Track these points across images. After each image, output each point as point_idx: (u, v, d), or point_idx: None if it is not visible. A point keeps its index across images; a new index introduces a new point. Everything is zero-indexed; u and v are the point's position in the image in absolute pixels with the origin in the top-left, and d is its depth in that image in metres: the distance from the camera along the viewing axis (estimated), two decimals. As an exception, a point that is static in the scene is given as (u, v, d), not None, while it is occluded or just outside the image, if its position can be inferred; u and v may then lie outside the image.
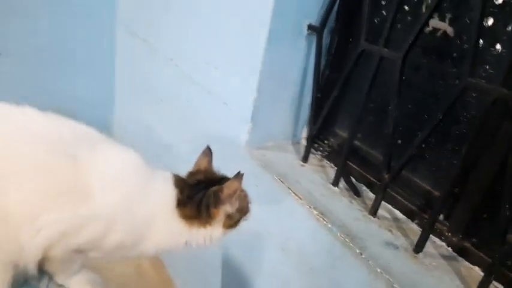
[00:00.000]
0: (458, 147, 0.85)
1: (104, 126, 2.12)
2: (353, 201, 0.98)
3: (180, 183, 0.65)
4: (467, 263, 0.81)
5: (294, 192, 0.96)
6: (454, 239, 0.84)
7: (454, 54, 0.83)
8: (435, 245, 0.86)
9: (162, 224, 0.61)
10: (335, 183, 1.02)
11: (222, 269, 1.26)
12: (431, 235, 0.83)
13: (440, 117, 0.76)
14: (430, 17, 0.77)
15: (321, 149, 1.17)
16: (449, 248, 0.85)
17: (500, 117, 0.74)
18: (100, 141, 0.61)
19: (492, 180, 0.78)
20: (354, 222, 0.90)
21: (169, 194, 0.62)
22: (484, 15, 0.70)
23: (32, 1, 1.63)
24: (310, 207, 0.92)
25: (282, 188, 0.98)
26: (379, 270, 0.76)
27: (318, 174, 1.08)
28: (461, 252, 0.83)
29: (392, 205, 0.97)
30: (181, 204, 0.62)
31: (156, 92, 1.70)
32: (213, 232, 0.63)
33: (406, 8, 0.90)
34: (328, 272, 0.88)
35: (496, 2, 0.75)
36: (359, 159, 1.06)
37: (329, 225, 0.87)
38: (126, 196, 0.59)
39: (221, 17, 1.15)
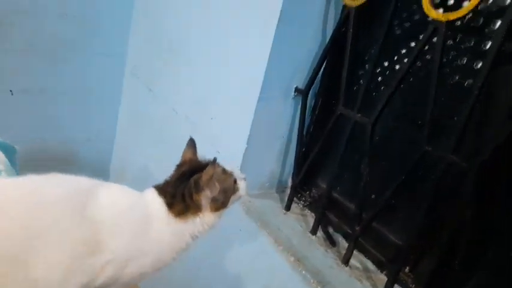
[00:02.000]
0: (422, 204, 0.94)
1: (103, 162, 2.24)
2: (329, 250, 1.06)
3: (163, 190, 0.70)
4: (428, 314, 0.88)
5: (273, 239, 1.04)
6: (416, 290, 0.91)
7: (419, 122, 0.95)
8: (400, 294, 0.92)
9: (167, 234, 0.66)
10: (313, 232, 1.10)
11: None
12: (396, 285, 0.90)
13: (403, 178, 0.86)
14: (398, 86, 0.90)
15: (303, 198, 1.25)
16: (412, 299, 0.91)
17: (456, 179, 0.84)
18: (95, 189, 0.64)
19: (452, 236, 0.87)
20: (328, 270, 0.97)
21: (158, 206, 0.67)
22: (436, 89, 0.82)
23: (55, 45, 1.79)
24: (287, 253, 0.99)
25: (263, 234, 1.06)
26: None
27: (298, 222, 1.16)
28: (423, 303, 0.89)
29: (364, 255, 1.04)
30: (170, 206, 0.67)
31: (156, 133, 1.81)
32: (205, 218, 0.68)
33: (379, 78, 1.03)
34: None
35: (451, 82, 0.88)
36: (337, 210, 1.15)
37: (303, 272, 0.94)
38: (131, 234, 0.64)
39: (221, 73, 1.28)
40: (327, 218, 1.14)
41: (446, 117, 0.86)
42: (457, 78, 0.87)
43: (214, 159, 0.68)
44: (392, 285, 0.88)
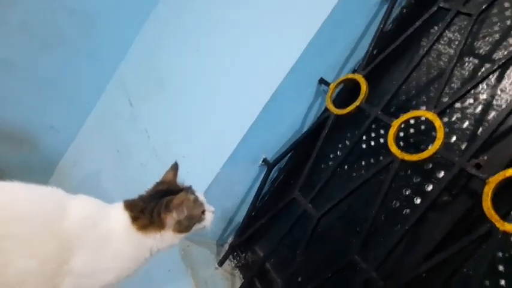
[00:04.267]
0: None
1: (56, 153, 2.21)
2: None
3: (130, 205, 0.75)
4: None
5: (198, 289, 1.10)
6: None
7: (357, 230, 1.08)
8: None
9: (128, 246, 0.71)
10: (237, 296, 1.16)
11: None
12: None
13: (329, 275, 0.96)
14: (350, 194, 1.02)
15: (238, 258, 1.32)
16: None
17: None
18: (66, 201, 0.69)
19: None
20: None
21: (122, 219, 0.72)
22: (380, 209, 0.95)
23: (49, 30, 1.82)
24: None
25: (189, 283, 1.11)
26: None
27: (226, 280, 1.22)
28: None
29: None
30: (134, 219, 0.72)
31: (117, 142, 1.84)
32: (166, 236, 0.73)
33: (336, 180, 1.16)
34: None
35: (393, 206, 1.02)
36: (265, 280, 1.22)
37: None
38: (96, 248, 0.68)
39: (201, 122, 1.37)
40: (254, 285, 1.21)
41: (380, 235, 0.99)
42: (397, 204, 1.01)
43: (190, 187, 0.74)
44: None
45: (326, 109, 1.18)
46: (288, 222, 1.12)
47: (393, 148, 0.96)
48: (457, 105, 0.99)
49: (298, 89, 1.22)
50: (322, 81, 1.23)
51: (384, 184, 0.95)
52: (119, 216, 0.73)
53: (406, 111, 1.05)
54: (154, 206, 0.74)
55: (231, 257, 1.29)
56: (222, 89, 1.33)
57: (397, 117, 1.02)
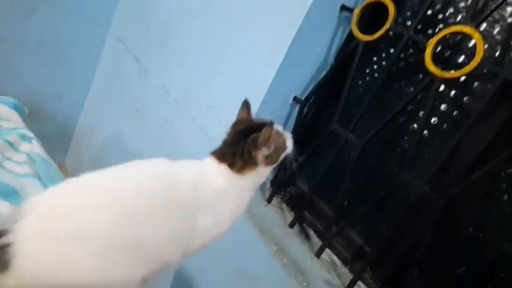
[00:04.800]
0: (388, 219, 1.14)
1: (69, 120, 2.20)
2: (303, 242, 1.23)
3: (220, 155, 0.77)
4: (379, 305, 1.09)
5: (259, 228, 1.19)
6: (373, 285, 1.12)
7: (403, 152, 1.14)
8: (359, 287, 1.13)
9: (236, 191, 0.76)
10: (291, 225, 1.26)
11: (172, 282, 1.41)
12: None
13: (382, 195, 1.04)
14: (393, 118, 1.06)
15: (282, 193, 1.41)
16: (369, 292, 1.12)
17: (416, 206, 1.03)
18: (173, 171, 0.72)
19: (408, 249, 1.07)
20: (303, 260, 1.14)
21: (222, 170, 0.75)
22: (423, 132, 1.00)
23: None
24: (271, 242, 1.15)
25: (250, 224, 1.19)
26: (319, 301, 1.00)
27: (277, 215, 1.31)
28: (378, 296, 1.10)
29: (332, 251, 1.23)
30: (231, 166, 0.75)
31: (132, 102, 1.83)
32: (260, 171, 0.77)
33: (375, 107, 1.19)
34: (276, 298, 1.10)
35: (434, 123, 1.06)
36: (311, 209, 1.31)
37: (284, 260, 1.10)
38: (213, 204, 0.73)
39: (228, 68, 1.35)
40: (304, 216, 1.30)
41: (425, 152, 1.05)
42: (437, 121, 1.06)
43: (271, 122, 0.76)
44: (357, 280, 1.08)
45: (353, 37, 1.17)
46: (327, 155, 1.18)
47: (432, 68, 0.97)
48: (496, 15, 0.98)
49: (320, 21, 1.19)
50: (344, 8, 1.20)
51: (426, 104, 0.99)
52: (217, 169, 0.75)
53: (436, 28, 1.05)
54: (243, 147, 0.76)
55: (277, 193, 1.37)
56: (242, 33, 1.29)
57: (429, 35, 1.02)
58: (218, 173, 0.75)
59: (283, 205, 1.38)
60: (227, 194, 0.74)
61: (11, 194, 0.74)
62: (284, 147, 0.81)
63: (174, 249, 0.69)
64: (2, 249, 0.54)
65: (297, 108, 1.30)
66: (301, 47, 1.19)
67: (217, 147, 0.82)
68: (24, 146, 0.90)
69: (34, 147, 0.91)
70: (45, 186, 0.79)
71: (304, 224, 1.31)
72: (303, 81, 1.30)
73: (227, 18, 1.38)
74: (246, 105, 0.88)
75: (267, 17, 1.23)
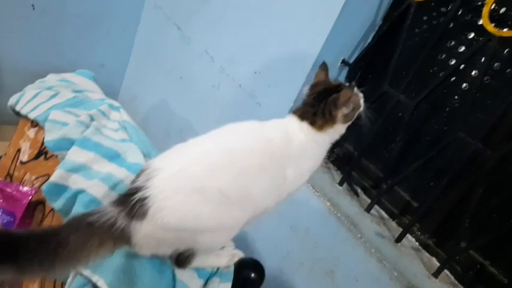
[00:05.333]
0: (437, 176, 1.19)
1: (112, 89, 2.29)
2: (352, 199, 1.30)
3: (302, 114, 0.84)
4: (428, 255, 1.17)
5: (311, 185, 1.26)
6: (421, 237, 1.19)
7: (455, 112, 1.16)
8: (408, 239, 1.20)
9: (316, 146, 0.83)
10: (340, 183, 1.33)
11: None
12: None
13: (434, 153, 1.09)
14: (445, 80, 1.09)
15: (328, 154, 1.47)
16: (417, 243, 1.20)
17: (469, 162, 1.07)
18: (263, 131, 0.80)
19: (455, 204, 1.13)
20: (355, 215, 1.22)
21: (304, 127, 0.82)
22: (476, 91, 1.03)
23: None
24: (324, 199, 1.22)
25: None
26: (373, 250, 1.08)
27: (325, 174, 1.38)
28: (426, 247, 1.18)
29: (379, 206, 1.30)
30: (312, 124, 0.83)
31: (176, 69, 1.89)
32: (337, 128, 0.85)
33: (430, 69, 1.21)
34: (330, 249, 1.19)
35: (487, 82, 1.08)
36: (358, 168, 1.38)
37: (338, 215, 1.18)
38: (299, 158, 0.81)
39: (273, 29, 1.38)
40: (351, 176, 1.37)
41: (477, 111, 1.07)
42: (494, 82, 1.07)
43: (353, 85, 0.84)
44: (406, 232, 1.15)
45: (403, -2, 1.17)
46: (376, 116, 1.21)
47: (489, 26, 0.98)
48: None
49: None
50: (394, -32, 1.19)
51: (480, 63, 1.00)
52: (299, 127, 0.83)
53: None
54: (324, 107, 0.82)
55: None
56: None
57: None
58: (300, 130, 0.82)
59: (330, 165, 1.45)
60: (308, 148, 0.82)
61: (116, 157, 0.83)
62: (359, 106, 0.87)
63: (272, 198, 0.78)
64: (141, 201, 0.64)
65: (345, 71, 1.33)
66: (351, 9, 1.20)
67: (297, 107, 0.88)
68: (114, 115, 0.98)
69: (123, 115, 0.99)
70: (141, 150, 0.87)
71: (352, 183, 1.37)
72: (351, 44, 1.32)
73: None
74: (324, 67, 0.93)
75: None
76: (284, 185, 0.78)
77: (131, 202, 0.64)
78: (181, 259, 0.74)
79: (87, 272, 0.71)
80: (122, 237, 0.64)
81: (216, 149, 0.73)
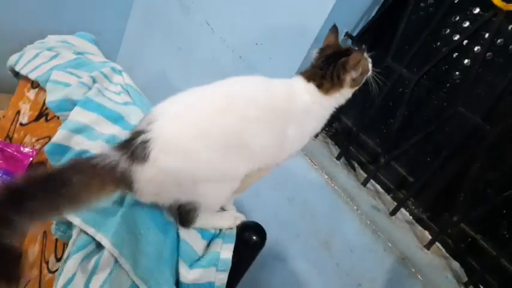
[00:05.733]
0: (434, 151, 1.21)
1: (108, 58, 2.26)
2: (349, 172, 1.32)
3: (310, 75, 0.83)
4: (421, 228, 1.19)
5: (309, 159, 1.27)
6: (415, 211, 1.22)
7: (456, 88, 1.17)
8: (402, 213, 1.23)
9: (321, 108, 0.83)
10: (338, 158, 1.34)
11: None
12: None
13: (432, 129, 1.10)
14: (448, 55, 1.09)
15: (326, 129, 1.47)
16: (411, 217, 1.22)
17: (468, 137, 1.09)
18: (268, 87, 0.79)
19: (450, 181, 1.15)
20: (351, 188, 1.23)
21: (311, 89, 0.81)
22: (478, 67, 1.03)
23: None
24: (322, 172, 1.23)
25: (301, 154, 1.28)
26: (368, 222, 1.11)
27: (324, 149, 1.39)
28: (419, 221, 1.20)
29: (375, 180, 1.32)
30: (319, 86, 0.82)
31: (175, 39, 1.86)
32: (344, 92, 0.84)
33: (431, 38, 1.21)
34: (327, 220, 1.21)
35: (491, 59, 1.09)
36: (356, 143, 1.39)
37: (336, 187, 1.19)
38: (302, 117, 0.80)
39: (267, 3, 1.35)
40: (349, 151, 1.38)
41: (479, 87, 1.08)
42: (496, 58, 1.07)
43: (363, 49, 0.83)
44: (400, 207, 1.17)
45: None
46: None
47: (497, 0, 0.98)
48: None
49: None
50: None
51: (483, 38, 1.01)
52: (305, 88, 0.82)
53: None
54: (333, 70, 0.81)
55: (321, 128, 1.43)
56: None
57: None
58: (306, 90, 0.81)
59: (328, 139, 1.46)
60: (312, 110, 0.81)
61: (119, 119, 0.82)
62: (367, 71, 0.87)
63: (271, 154, 0.78)
64: (142, 144, 0.64)
65: (348, 43, 1.32)
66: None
67: (305, 69, 0.87)
68: (117, 78, 0.96)
69: (125, 78, 0.97)
70: (144, 113, 0.86)
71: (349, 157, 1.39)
72: (355, 16, 1.31)
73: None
74: (334, 30, 0.91)
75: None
76: (284, 144, 0.78)
77: (133, 145, 0.64)
78: (184, 216, 0.74)
79: (90, 231, 0.71)
80: (124, 181, 0.64)
81: (220, 95, 0.72)
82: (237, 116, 0.70)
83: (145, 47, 2.10)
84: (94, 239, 0.71)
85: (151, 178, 0.65)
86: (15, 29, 1.79)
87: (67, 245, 0.76)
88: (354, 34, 1.31)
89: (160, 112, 0.68)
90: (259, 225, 0.80)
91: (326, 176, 1.22)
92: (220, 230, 0.79)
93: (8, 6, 1.73)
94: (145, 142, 0.64)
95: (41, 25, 1.87)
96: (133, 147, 0.64)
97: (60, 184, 0.59)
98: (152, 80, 2.05)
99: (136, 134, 0.66)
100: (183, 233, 0.74)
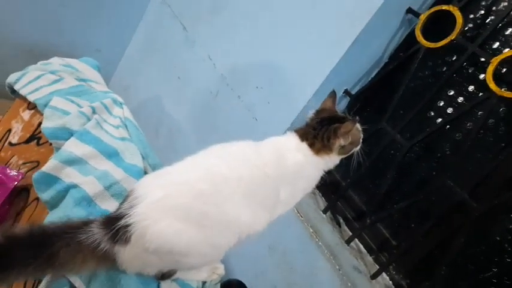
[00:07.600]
0: (419, 218, 1.22)
1: (105, 75, 2.24)
2: (334, 228, 1.31)
3: (303, 134, 0.85)
4: (400, 295, 1.19)
5: (296, 209, 1.26)
6: (396, 277, 1.21)
7: (444, 160, 1.20)
8: (383, 277, 1.22)
9: (312, 168, 0.84)
10: (324, 211, 1.34)
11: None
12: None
13: (421, 197, 1.12)
14: (442, 128, 1.12)
15: (316, 179, 1.48)
16: (391, 282, 1.21)
17: (453, 211, 1.11)
18: (257, 151, 0.79)
19: (431, 251, 1.16)
20: (335, 246, 1.23)
21: (303, 148, 0.83)
22: (470, 143, 1.07)
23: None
24: (307, 224, 1.23)
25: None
26: (349, 284, 1.09)
27: (311, 199, 1.39)
28: (398, 287, 1.20)
29: (359, 240, 1.31)
30: (311, 146, 0.83)
31: (175, 68, 1.87)
32: (332, 158, 0.85)
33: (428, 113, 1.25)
34: (306, 276, 1.19)
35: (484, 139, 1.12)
36: (343, 198, 1.39)
37: (320, 243, 1.19)
38: (294, 177, 0.81)
39: (282, 48, 1.38)
40: (336, 204, 1.38)
41: (469, 163, 1.11)
42: (491, 139, 1.11)
43: (356, 119, 0.84)
44: (382, 271, 1.17)
45: (414, 41, 1.21)
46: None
47: (492, 85, 1.03)
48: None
49: (385, 20, 1.22)
50: (410, 11, 1.23)
51: (480, 118, 1.04)
52: (299, 146, 0.83)
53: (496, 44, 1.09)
54: (324, 133, 0.83)
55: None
56: (305, 18, 1.31)
57: (490, 51, 1.07)
58: (299, 149, 0.82)
59: (316, 190, 1.46)
60: (304, 169, 0.82)
61: (114, 155, 0.80)
62: (357, 143, 0.88)
63: (262, 221, 0.77)
64: (124, 228, 0.64)
65: (346, 100, 1.35)
66: (362, 43, 1.23)
67: (299, 127, 0.89)
68: (117, 111, 0.95)
69: (125, 112, 0.96)
70: (139, 151, 0.85)
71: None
72: (355, 75, 1.34)
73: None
74: (332, 95, 0.94)
75: (333, 7, 1.25)
76: (276, 206, 0.78)
77: (115, 228, 0.65)
78: (165, 274, 0.73)
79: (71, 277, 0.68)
80: (106, 258, 0.65)
81: (203, 175, 0.71)
82: (222, 199, 0.69)
83: (144, 69, 2.10)
84: (73, 285, 0.67)
85: (134, 257, 0.66)
86: (17, 40, 1.78)
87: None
88: (353, 92, 1.34)
89: (142, 194, 0.67)
90: (243, 284, 0.78)
91: (311, 230, 1.22)
92: (204, 283, 0.76)
93: (11, 17, 1.71)
94: (126, 226, 0.64)
95: (43, 35, 1.87)
96: (115, 229, 0.65)
97: (49, 255, 0.60)
98: (147, 104, 2.04)
99: (119, 215, 0.66)
100: (164, 285, 0.71)
